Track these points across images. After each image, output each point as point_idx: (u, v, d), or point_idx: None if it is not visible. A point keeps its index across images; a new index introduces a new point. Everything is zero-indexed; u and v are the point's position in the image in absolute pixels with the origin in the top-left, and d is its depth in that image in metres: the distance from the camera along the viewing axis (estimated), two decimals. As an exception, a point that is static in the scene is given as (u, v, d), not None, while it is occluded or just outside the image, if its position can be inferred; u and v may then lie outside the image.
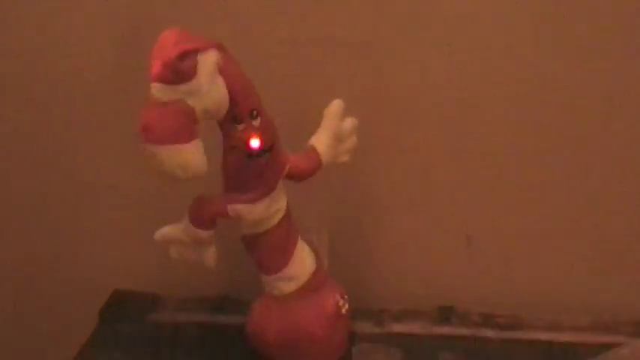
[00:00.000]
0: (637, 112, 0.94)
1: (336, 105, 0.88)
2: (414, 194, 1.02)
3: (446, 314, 1.01)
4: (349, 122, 0.90)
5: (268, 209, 0.86)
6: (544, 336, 0.97)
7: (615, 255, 1.01)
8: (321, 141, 0.88)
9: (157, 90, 0.75)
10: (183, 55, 0.74)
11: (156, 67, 0.74)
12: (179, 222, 0.87)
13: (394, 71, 0.96)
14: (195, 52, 0.75)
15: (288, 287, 0.91)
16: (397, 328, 1.00)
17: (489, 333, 0.98)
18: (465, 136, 0.98)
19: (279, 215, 0.88)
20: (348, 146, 0.91)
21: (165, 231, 0.87)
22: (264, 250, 0.89)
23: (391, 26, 0.94)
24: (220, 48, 0.78)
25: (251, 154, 0.81)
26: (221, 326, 1.04)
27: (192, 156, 0.76)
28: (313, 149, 0.88)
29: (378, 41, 0.95)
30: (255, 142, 0.81)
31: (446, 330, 0.99)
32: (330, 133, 0.89)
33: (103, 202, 1.14)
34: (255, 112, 0.80)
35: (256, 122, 0.81)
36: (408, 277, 1.07)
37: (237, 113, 0.79)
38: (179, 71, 0.74)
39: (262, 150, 0.82)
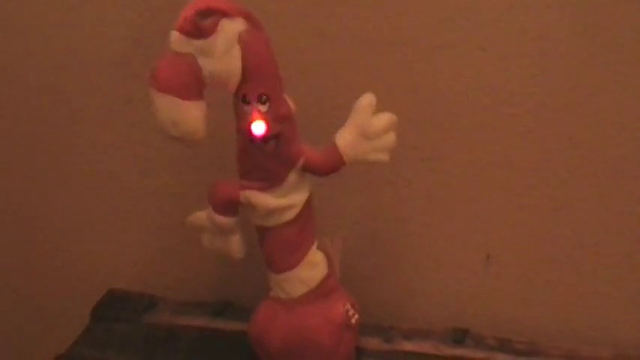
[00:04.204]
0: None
1: (364, 99, 0.83)
2: (435, 206, 0.99)
3: (460, 336, 0.96)
4: (383, 118, 0.83)
5: (281, 201, 0.83)
6: (562, 365, 0.93)
7: (643, 285, 0.97)
8: (343, 137, 0.84)
9: (174, 39, 0.75)
10: (207, 12, 0.74)
11: (180, 16, 0.74)
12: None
13: (424, 74, 0.93)
14: (221, 13, 0.74)
15: (296, 290, 0.86)
16: (407, 346, 0.95)
17: (505, 358, 0.93)
18: (494, 146, 0.94)
19: (294, 211, 0.84)
20: (383, 144, 0.84)
21: (193, 217, 0.87)
22: (275, 245, 0.85)
23: (423, 28, 0.91)
24: (250, 20, 0.76)
25: (252, 138, 0.79)
26: (220, 331, 0.99)
27: (187, 114, 0.76)
28: (333, 145, 0.84)
29: (409, 42, 0.92)
30: (257, 126, 0.78)
31: (459, 352, 0.94)
32: (354, 128, 0.84)
33: (102, 197, 1.11)
34: (264, 98, 0.78)
35: (264, 107, 0.78)
36: (421, 293, 1.03)
37: (246, 93, 0.78)
38: (197, 25, 0.74)
39: (265, 137, 0.79)
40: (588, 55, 0.89)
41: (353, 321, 0.88)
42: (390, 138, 0.84)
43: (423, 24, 0.91)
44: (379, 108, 0.85)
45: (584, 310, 0.99)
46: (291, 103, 0.81)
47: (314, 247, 0.87)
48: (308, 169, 0.83)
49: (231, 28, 0.75)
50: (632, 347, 0.95)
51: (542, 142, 0.93)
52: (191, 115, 0.76)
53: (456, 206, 0.98)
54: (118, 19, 0.99)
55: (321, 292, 0.87)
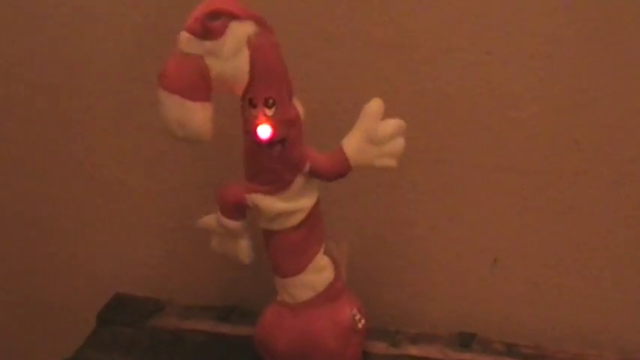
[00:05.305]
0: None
1: (373, 105, 0.82)
2: (441, 209, 0.98)
3: (466, 340, 0.95)
4: (390, 124, 0.82)
5: (288, 205, 0.82)
6: (569, 369, 0.92)
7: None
8: (350, 142, 0.83)
9: (183, 39, 0.75)
10: (216, 14, 0.74)
11: (190, 17, 0.75)
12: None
13: (430, 78, 0.93)
14: (231, 16, 0.75)
15: (303, 294, 0.86)
16: (413, 350, 0.95)
17: (512, 362, 0.93)
18: (500, 150, 0.94)
19: (300, 216, 0.84)
20: (391, 149, 0.83)
21: (203, 220, 0.87)
22: (280, 249, 0.85)
23: (430, 31, 0.91)
24: (261, 24, 0.76)
25: (258, 141, 0.79)
26: (226, 336, 0.99)
27: (193, 115, 0.77)
28: (340, 150, 0.83)
29: (416, 46, 0.92)
30: (263, 130, 0.78)
31: (466, 357, 0.94)
32: (361, 133, 0.83)
33: (108, 200, 1.11)
34: (271, 102, 0.78)
35: (270, 112, 0.78)
36: (427, 297, 1.02)
37: (253, 96, 0.78)
38: (206, 26, 0.74)
39: (271, 141, 0.79)
40: (594, 58, 0.88)
41: (359, 325, 0.88)
42: (398, 144, 0.83)
43: (430, 27, 0.90)
44: (386, 111, 0.85)
45: (590, 314, 0.98)
46: (299, 108, 0.81)
47: (321, 252, 0.87)
48: (315, 174, 0.83)
49: (241, 30, 0.75)
50: (639, 351, 0.94)
51: (549, 145, 0.93)
52: (197, 116, 0.77)
53: (462, 209, 0.98)
54: (124, 20, 0.99)
55: (327, 296, 0.87)
